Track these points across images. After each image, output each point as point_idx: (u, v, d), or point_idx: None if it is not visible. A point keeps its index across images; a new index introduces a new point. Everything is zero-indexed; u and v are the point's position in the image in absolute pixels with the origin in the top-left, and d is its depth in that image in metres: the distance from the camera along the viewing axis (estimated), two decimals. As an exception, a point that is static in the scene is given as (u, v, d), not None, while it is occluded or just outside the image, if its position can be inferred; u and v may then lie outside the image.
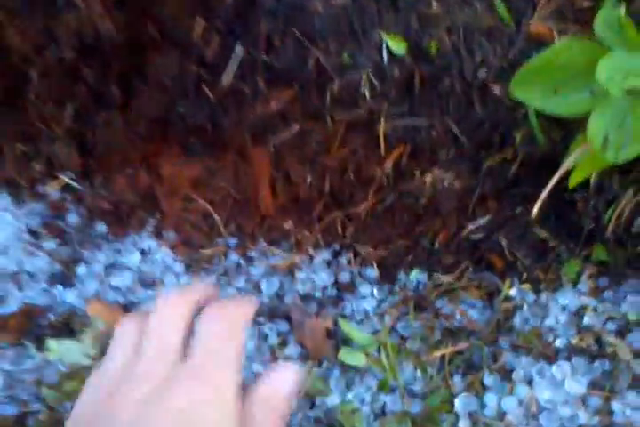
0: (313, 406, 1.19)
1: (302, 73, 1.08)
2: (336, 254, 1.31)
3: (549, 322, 1.21)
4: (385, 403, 1.17)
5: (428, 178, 1.16)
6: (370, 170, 1.20)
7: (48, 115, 1.23)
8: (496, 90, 1.07)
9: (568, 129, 1.09)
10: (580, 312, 1.23)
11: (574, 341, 1.19)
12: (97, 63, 1.15)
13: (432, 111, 1.10)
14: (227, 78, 1.11)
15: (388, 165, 1.17)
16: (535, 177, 1.17)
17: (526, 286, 1.25)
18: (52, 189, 1.32)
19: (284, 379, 0.58)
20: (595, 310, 1.22)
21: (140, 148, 1.26)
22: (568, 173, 1.07)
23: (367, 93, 1.07)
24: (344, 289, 1.27)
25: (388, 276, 1.29)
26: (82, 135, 1.27)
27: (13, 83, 1.17)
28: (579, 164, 1.05)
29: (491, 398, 1.16)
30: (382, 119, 1.10)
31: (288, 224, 1.32)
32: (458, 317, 1.23)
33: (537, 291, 1.25)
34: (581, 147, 1.02)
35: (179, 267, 1.29)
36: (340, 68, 1.06)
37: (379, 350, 1.19)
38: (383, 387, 1.17)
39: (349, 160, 1.20)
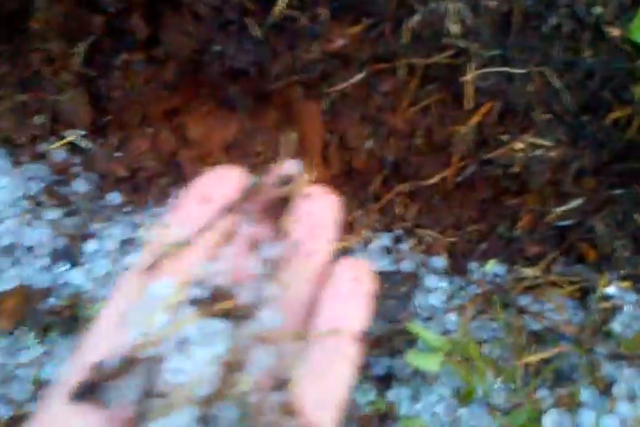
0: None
1: (376, 3, 0.86)
2: (396, 240, 1.09)
3: (656, 327, 0.99)
4: (460, 417, 0.95)
5: (519, 144, 0.94)
6: (445, 134, 0.98)
7: (55, 55, 1.02)
8: (613, 31, 0.86)
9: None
10: (692, 315, 1.01)
11: (687, 349, 0.97)
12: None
13: (530, 57, 0.89)
14: (278, 8, 0.88)
15: (471, 126, 0.94)
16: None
17: (626, 284, 1.03)
18: (56, 149, 1.11)
19: None
20: None
21: (164, 99, 1.05)
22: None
23: (454, 30, 0.85)
24: (406, 280, 1.05)
25: (458, 266, 1.07)
26: (95, 82, 1.05)
27: (15, 6, 0.95)
28: None
29: (587, 417, 0.94)
30: (471, 65, 0.88)
31: (337, 202, 1.10)
32: (546, 317, 1.00)
33: (639, 290, 1.03)
34: None
35: (205, 246, 1.07)
36: (425, -4, 0.84)
37: (449, 355, 0.96)
38: (460, 398, 0.94)
39: (420, 121, 0.98)
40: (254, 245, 0.43)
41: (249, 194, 0.43)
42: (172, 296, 0.39)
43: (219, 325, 0.38)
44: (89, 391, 0.36)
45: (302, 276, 0.43)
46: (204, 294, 0.40)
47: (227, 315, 0.39)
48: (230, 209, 0.43)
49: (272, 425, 0.36)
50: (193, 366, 0.36)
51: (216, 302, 0.39)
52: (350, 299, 0.43)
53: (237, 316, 0.39)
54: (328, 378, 0.40)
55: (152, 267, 0.40)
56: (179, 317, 0.38)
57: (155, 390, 0.36)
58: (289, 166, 0.44)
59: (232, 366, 0.37)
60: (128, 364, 0.37)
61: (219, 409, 0.36)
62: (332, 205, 0.47)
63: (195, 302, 0.39)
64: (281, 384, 0.37)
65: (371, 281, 0.44)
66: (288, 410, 0.36)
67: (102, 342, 0.39)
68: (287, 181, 0.44)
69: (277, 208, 0.43)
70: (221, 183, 0.46)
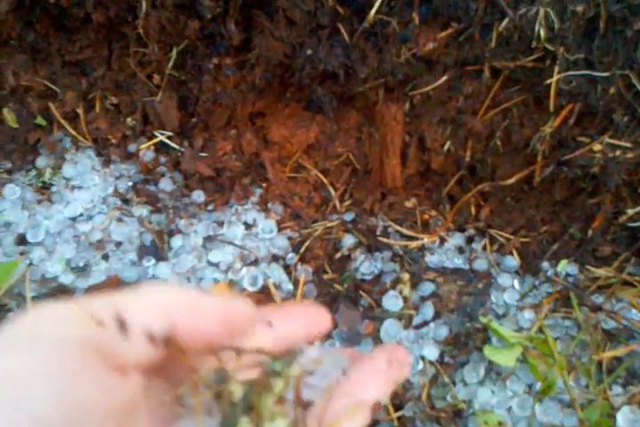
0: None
1: (467, 8, 0.90)
2: (469, 239, 1.13)
3: None
4: (534, 413, 0.97)
5: (598, 146, 0.97)
6: (524, 135, 1.02)
7: (149, 58, 1.07)
8: (699, 36, 0.89)
9: None
10: None
11: None
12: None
13: (614, 61, 0.92)
14: (371, 14, 0.93)
15: (549, 129, 0.98)
16: None
17: (700, 284, 1.05)
18: (145, 149, 1.16)
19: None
20: None
21: (250, 103, 1.09)
22: None
23: (542, 34, 0.89)
24: (481, 278, 1.08)
25: (529, 266, 1.10)
26: (185, 85, 1.10)
27: (119, 12, 1.01)
28: None
29: (659, 415, 0.95)
30: (556, 68, 0.91)
31: (411, 202, 1.14)
32: (620, 316, 1.02)
33: None
34: None
35: (285, 243, 1.11)
36: (515, 2, 0.88)
37: (525, 351, 0.99)
38: (539, 392, 0.97)
39: (500, 122, 1.02)
40: None
41: None
42: None
43: None
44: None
45: None
46: None
47: None
48: None
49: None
50: None
51: None
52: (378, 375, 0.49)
53: None
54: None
55: None
56: None
57: None
58: None
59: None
60: None
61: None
62: None
63: None
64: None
65: (403, 366, 0.51)
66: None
67: None
68: None
69: None
70: None
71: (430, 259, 1.09)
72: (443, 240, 1.12)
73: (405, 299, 1.03)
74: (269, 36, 0.99)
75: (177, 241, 1.10)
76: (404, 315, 1.01)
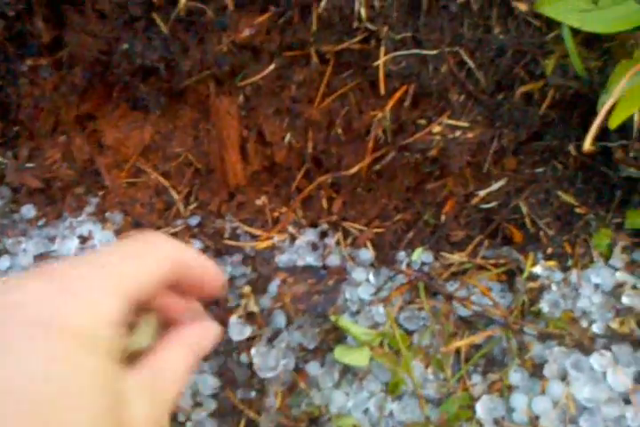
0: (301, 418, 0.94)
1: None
2: (322, 234, 1.08)
3: (582, 304, 1.01)
4: (392, 411, 0.93)
5: (436, 128, 0.94)
6: (364, 121, 0.98)
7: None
8: (521, 6, 0.87)
9: (607, 55, 0.90)
10: (616, 291, 1.01)
11: (613, 325, 0.98)
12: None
13: (441, 38, 0.89)
14: (182, 1, 0.87)
15: (387, 112, 0.94)
16: (565, 124, 0.97)
17: (552, 263, 1.04)
18: (-37, 163, 1.06)
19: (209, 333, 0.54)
20: (634, 287, 1.01)
21: (75, 105, 1.02)
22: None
23: (363, 14, 0.85)
24: (333, 275, 1.03)
25: (385, 258, 1.06)
26: (2, 92, 1.01)
27: None
28: (624, 97, 0.85)
29: (519, 400, 0.93)
30: (382, 48, 0.88)
31: (261, 200, 1.08)
32: (473, 302, 0.99)
33: (564, 268, 1.04)
34: (629, 73, 0.84)
35: (127, 254, 1.03)
36: (330, -19, 0.84)
37: (380, 347, 0.94)
38: (391, 391, 0.92)
39: (338, 110, 0.98)
40: None
41: None
42: None
43: None
44: None
45: None
46: None
47: None
48: None
49: None
50: None
51: None
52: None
53: None
54: None
55: None
56: None
57: None
58: None
59: None
60: None
61: None
62: None
63: None
64: None
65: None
66: None
67: None
68: None
69: None
70: None
71: (280, 258, 1.04)
72: (294, 238, 1.06)
73: (254, 317, 0.97)
74: (80, 32, 0.92)
75: (4, 262, 1.01)
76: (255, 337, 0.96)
